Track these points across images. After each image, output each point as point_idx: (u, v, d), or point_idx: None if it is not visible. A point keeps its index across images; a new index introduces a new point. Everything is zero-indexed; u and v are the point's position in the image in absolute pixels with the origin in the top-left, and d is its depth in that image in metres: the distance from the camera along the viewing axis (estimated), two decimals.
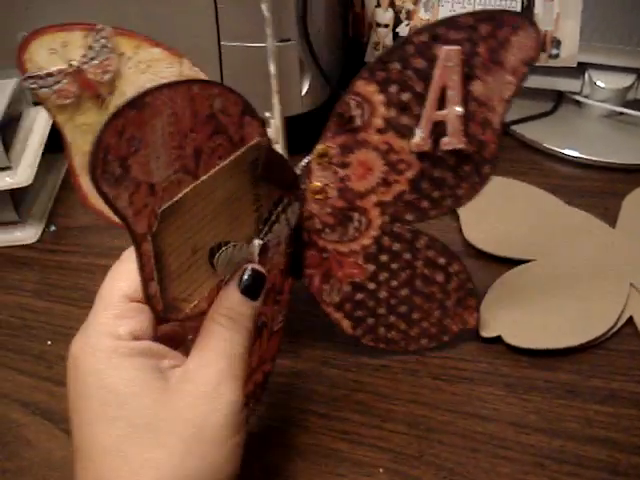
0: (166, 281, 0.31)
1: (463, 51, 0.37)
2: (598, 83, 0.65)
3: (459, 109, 0.38)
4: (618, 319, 0.47)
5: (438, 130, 0.39)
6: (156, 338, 0.32)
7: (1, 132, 0.55)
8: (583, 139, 0.66)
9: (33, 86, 0.38)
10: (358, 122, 0.39)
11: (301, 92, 0.62)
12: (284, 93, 0.62)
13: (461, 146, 0.39)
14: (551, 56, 0.63)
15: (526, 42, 0.37)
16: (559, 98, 0.69)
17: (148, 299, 0.31)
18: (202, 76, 0.40)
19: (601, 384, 0.44)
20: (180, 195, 0.31)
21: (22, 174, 0.56)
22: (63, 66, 0.38)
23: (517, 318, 0.47)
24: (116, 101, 0.39)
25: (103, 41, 0.38)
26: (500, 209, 0.57)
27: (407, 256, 0.43)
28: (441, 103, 0.38)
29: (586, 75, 0.66)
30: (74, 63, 0.37)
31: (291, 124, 0.50)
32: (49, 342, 0.49)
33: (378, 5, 0.65)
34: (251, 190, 0.35)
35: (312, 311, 0.45)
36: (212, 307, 0.34)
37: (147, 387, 0.30)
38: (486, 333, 0.47)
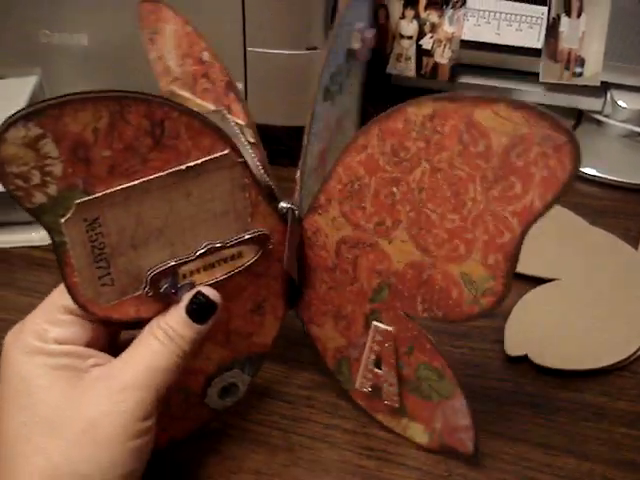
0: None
1: None
2: (620, 103, 0.65)
3: None
4: None
5: None
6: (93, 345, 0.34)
7: None
8: (602, 158, 0.65)
9: None
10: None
11: None
12: (308, 102, 0.62)
13: None
14: (575, 74, 0.63)
15: None
16: (580, 116, 0.69)
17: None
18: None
19: (628, 407, 0.44)
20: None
21: None
22: None
23: (543, 337, 0.47)
24: None
25: None
26: None
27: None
28: None
29: (608, 94, 0.66)
30: None
31: None
32: None
33: (402, 17, 0.65)
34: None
35: None
36: (156, 317, 0.34)
37: (57, 381, 0.32)
38: (512, 352, 0.46)
